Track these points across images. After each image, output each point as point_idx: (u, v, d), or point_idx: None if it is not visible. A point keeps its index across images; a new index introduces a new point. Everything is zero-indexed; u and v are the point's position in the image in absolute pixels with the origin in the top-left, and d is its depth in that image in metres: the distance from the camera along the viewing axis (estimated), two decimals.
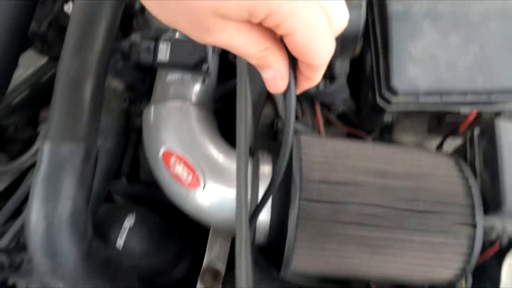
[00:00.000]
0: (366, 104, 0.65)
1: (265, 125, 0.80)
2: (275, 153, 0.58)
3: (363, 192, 0.48)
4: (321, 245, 0.48)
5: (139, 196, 0.82)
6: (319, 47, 0.28)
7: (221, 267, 0.60)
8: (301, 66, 0.30)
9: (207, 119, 0.60)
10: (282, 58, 0.30)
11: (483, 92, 0.53)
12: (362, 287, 0.60)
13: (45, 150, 0.45)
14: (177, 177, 0.55)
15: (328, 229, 0.47)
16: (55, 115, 0.47)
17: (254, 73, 0.34)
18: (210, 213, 0.55)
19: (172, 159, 0.55)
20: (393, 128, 0.64)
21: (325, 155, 0.51)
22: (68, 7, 0.70)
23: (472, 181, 0.49)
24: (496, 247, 0.53)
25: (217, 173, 0.55)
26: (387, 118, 0.61)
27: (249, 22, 0.28)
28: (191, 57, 0.62)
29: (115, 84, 0.73)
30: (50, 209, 0.44)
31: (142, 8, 0.75)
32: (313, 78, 0.31)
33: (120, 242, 0.66)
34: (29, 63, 0.64)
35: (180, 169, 0.54)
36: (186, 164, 0.54)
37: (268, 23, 0.27)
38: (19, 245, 0.68)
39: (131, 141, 0.86)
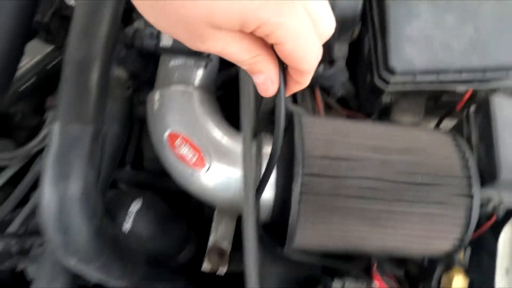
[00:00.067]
0: (364, 87, 0.67)
1: (265, 111, 0.82)
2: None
3: (363, 167, 0.50)
4: (324, 218, 0.50)
5: (143, 184, 0.84)
6: (306, 55, 0.31)
7: (227, 246, 0.62)
8: (290, 71, 0.33)
9: (210, 103, 0.62)
10: (272, 64, 0.33)
11: (478, 69, 0.55)
12: (364, 264, 0.61)
13: (55, 130, 0.46)
14: (182, 158, 0.56)
15: (330, 202, 0.49)
16: (64, 97, 0.48)
17: None
18: (215, 193, 0.57)
19: (178, 141, 0.56)
20: (391, 110, 0.66)
21: (326, 133, 0.53)
22: None
23: (468, 154, 0.51)
24: (492, 220, 0.55)
25: (221, 153, 0.56)
26: (386, 99, 0.63)
27: (241, 31, 0.30)
28: None
29: (119, 72, 0.75)
30: (62, 187, 0.46)
31: None
32: (301, 82, 0.34)
33: (127, 226, 0.67)
34: (35, 52, 0.66)
35: (185, 150, 0.56)
36: (191, 145, 0.56)
37: (259, 33, 0.30)
38: (28, 231, 0.70)
39: (134, 131, 0.88)
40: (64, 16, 0.75)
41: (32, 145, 0.64)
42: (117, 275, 0.56)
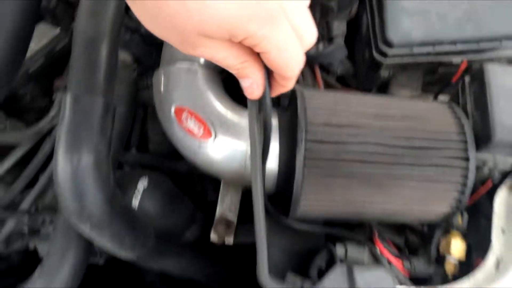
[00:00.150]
0: (363, 63, 0.69)
1: None
2: (279, 109, 0.62)
3: (364, 133, 0.52)
4: (327, 183, 0.52)
5: (149, 166, 0.86)
6: (289, 63, 0.35)
7: (233, 217, 0.64)
8: (275, 75, 0.37)
9: (214, 80, 0.64)
10: (258, 71, 0.36)
11: (472, 40, 0.57)
12: (366, 233, 0.63)
13: (67, 101, 0.48)
14: (189, 131, 0.58)
15: (333, 167, 0.51)
16: (75, 71, 0.50)
17: None
18: (221, 164, 0.59)
19: (184, 114, 0.58)
20: (389, 85, 0.68)
21: (327, 103, 0.55)
22: None
23: (464, 119, 0.53)
24: (488, 185, 0.58)
25: (226, 126, 0.58)
26: (384, 73, 0.65)
27: (230, 40, 0.33)
28: None
29: (123, 56, 0.77)
30: (75, 155, 0.48)
31: None
32: (285, 85, 0.38)
33: (136, 202, 0.70)
34: (42, 35, 0.68)
35: (191, 123, 0.58)
36: (197, 118, 0.58)
37: (246, 43, 0.33)
38: (39, 209, 0.72)
39: (138, 115, 0.90)
40: (69, 2, 0.77)
41: (42, 125, 0.66)
42: (128, 245, 0.58)
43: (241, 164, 0.59)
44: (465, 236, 0.58)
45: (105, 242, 0.55)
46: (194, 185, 0.93)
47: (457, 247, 0.57)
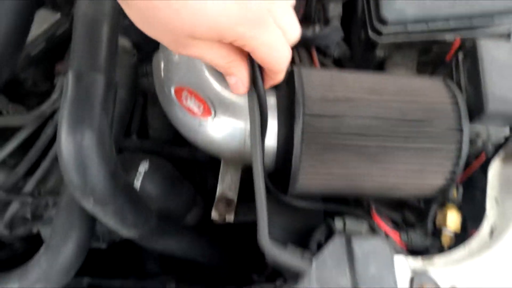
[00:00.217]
0: (359, 45, 0.70)
1: None
2: (277, 88, 0.63)
3: (360, 106, 0.53)
4: (325, 156, 0.53)
5: (149, 152, 0.87)
6: (277, 59, 0.38)
7: (233, 196, 0.65)
8: (266, 70, 0.40)
9: None
10: (244, 69, 0.39)
11: (465, 16, 0.59)
12: (364, 209, 0.65)
13: (69, 78, 0.50)
14: (189, 110, 0.59)
15: (330, 141, 0.52)
16: (76, 49, 0.51)
17: None
18: (221, 143, 0.60)
19: (184, 94, 0.59)
20: (385, 65, 0.69)
21: (324, 79, 0.56)
22: None
23: (457, 93, 0.54)
24: (482, 158, 0.59)
25: (225, 105, 0.59)
26: (379, 53, 0.66)
27: (219, 41, 0.35)
28: None
29: (123, 42, 0.78)
30: (78, 131, 0.49)
31: None
32: (275, 79, 0.42)
33: (137, 184, 0.71)
34: (43, 20, 0.69)
35: (191, 103, 0.59)
36: (196, 97, 0.59)
37: (235, 44, 0.36)
38: (41, 194, 0.73)
39: (138, 102, 0.91)
40: None
41: (44, 108, 0.67)
42: (131, 223, 0.59)
43: (241, 142, 0.60)
44: (460, 209, 0.59)
45: (108, 218, 0.56)
46: (194, 173, 0.94)
47: (452, 220, 0.58)
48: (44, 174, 0.71)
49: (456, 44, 0.61)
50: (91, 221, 0.61)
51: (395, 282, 0.49)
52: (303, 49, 0.75)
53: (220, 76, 0.66)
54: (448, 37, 0.61)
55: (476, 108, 0.53)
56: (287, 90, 0.60)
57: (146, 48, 0.86)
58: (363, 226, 0.59)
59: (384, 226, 0.59)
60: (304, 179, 0.55)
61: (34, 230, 0.75)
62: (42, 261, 0.57)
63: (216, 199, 0.65)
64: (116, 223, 0.57)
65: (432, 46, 0.65)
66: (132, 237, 0.63)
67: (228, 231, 0.87)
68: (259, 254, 0.65)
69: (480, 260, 0.50)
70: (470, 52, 0.57)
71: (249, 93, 0.47)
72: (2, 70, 0.54)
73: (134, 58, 0.77)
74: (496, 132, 0.55)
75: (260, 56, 0.37)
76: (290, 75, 0.59)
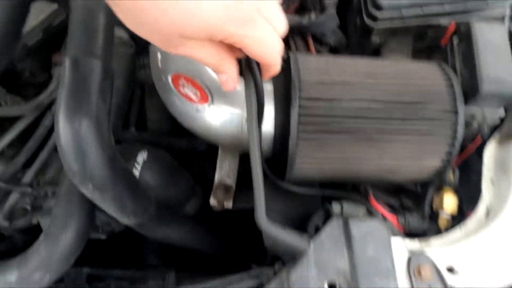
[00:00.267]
0: (355, 32, 0.71)
1: None
2: None
3: (356, 89, 0.53)
4: (321, 140, 0.53)
5: (148, 143, 0.87)
6: (269, 53, 0.39)
7: (231, 183, 0.65)
8: (260, 63, 0.42)
9: None
10: (234, 67, 0.40)
11: (459, 0, 0.59)
12: (361, 194, 0.65)
13: (66, 64, 0.50)
14: (187, 97, 0.60)
15: (326, 124, 0.53)
16: (73, 36, 0.52)
17: None
18: (218, 129, 0.61)
19: (181, 81, 0.60)
20: (380, 52, 0.70)
21: (320, 64, 0.57)
22: None
23: (452, 75, 0.55)
24: (478, 141, 0.59)
25: (222, 92, 0.60)
26: (375, 39, 0.67)
27: (209, 39, 0.36)
28: None
29: (120, 33, 0.78)
30: (76, 116, 0.49)
31: None
32: (271, 71, 0.43)
33: (136, 174, 0.71)
34: (41, 11, 0.69)
35: (188, 89, 0.59)
36: (193, 84, 0.59)
37: (226, 42, 0.36)
38: (40, 185, 0.73)
39: (136, 95, 0.91)
40: None
41: (42, 98, 0.67)
42: (130, 210, 0.59)
43: (238, 128, 0.60)
44: (457, 192, 0.60)
45: (107, 205, 0.56)
46: (193, 164, 0.95)
47: (449, 203, 0.59)
48: (42, 164, 0.72)
49: (451, 29, 0.61)
50: (90, 209, 0.61)
51: (392, 263, 0.49)
52: (299, 37, 0.75)
53: None
54: (443, 21, 0.61)
55: (471, 90, 0.54)
56: (284, 76, 0.61)
57: (143, 40, 0.87)
58: (361, 210, 0.60)
59: (382, 209, 0.60)
60: (301, 163, 0.56)
61: (34, 221, 0.75)
62: (41, 249, 0.57)
63: (214, 186, 0.65)
64: (115, 210, 0.57)
65: (427, 31, 0.65)
66: (131, 224, 0.63)
67: (227, 221, 0.88)
68: (259, 244, 0.66)
69: (476, 240, 0.51)
70: (465, 36, 0.57)
71: (246, 79, 0.47)
72: None
73: (132, 49, 0.78)
74: (491, 113, 0.55)
75: (252, 53, 0.38)
76: (286, 61, 0.60)
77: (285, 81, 0.59)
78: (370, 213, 0.59)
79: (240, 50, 0.39)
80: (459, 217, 0.58)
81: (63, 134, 0.49)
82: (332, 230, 0.51)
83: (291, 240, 0.47)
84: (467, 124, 0.55)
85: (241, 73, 0.46)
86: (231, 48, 0.39)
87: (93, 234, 0.80)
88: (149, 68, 0.71)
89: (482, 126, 0.56)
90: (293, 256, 0.51)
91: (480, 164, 0.59)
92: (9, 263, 0.58)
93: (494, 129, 0.57)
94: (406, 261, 0.50)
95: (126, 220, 0.61)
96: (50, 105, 0.69)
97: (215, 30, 0.34)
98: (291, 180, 0.61)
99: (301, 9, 0.76)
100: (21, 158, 0.69)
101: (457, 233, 0.54)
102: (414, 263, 0.50)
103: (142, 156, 0.73)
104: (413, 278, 0.49)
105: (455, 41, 0.60)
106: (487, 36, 0.55)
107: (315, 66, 0.56)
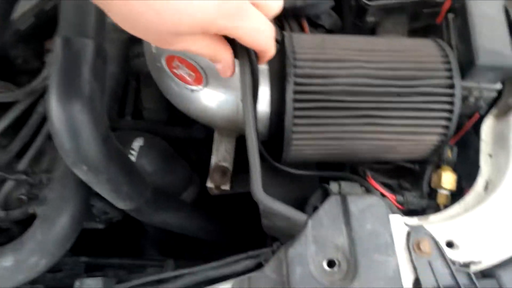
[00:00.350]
0: (350, 12, 0.70)
1: None
2: None
3: (351, 66, 0.53)
4: (318, 117, 0.53)
5: (144, 131, 0.87)
6: (262, 40, 0.40)
7: (228, 165, 0.65)
8: (255, 50, 0.43)
9: None
10: (228, 53, 0.41)
11: None
12: (359, 175, 0.65)
13: (58, 44, 0.49)
14: (181, 78, 0.59)
15: (322, 101, 0.52)
16: (65, 15, 0.51)
17: None
18: (214, 110, 0.60)
19: (175, 62, 0.59)
20: (376, 32, 0.69)
21: (315, 42, 0.56)
22: None
23: (448, 50, 0.54)
24: (475, 117, 0.59)
25: (216, 73, 0.58)
26: (370, 19, 0.66)
27: (202, 33, 0.36)
28: None
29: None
30: (69, 97, 0.48)
31: None
32: (266, 56, 0.44)
33: (133, 159, 0.70)
34: None
35: (182, 70, 0.59)
36: (187, 65, 0.59)
37: (219, 33, 0.37)
38: (36, 172, 0.72)
39: (132, 85, 0.91)
40: None
41: (35, 84, 0.66)
42: (126, 194, 0.59)
43: (233, 109, 0.60)
44: (455, 169, 0.59)
45: (103, 188, 0.56)
46: (189, 152, 0.94)
47: (448, 179, 0.58)
48: (37, 153, 0.71)
49: (447, 5, 0.61)
50: (86, 193, 0.60)
51: (391, 238, 0.49)
52: (293, 20, 0.75)
53: None
54: None
55: (467, 64, 0.53)
56: (279, 55, 0.60)
57: None
58: (359, 190, 0.59)
59: (380, 188, 0.59)
60: (298, 141, 0.55)
61: (30, 211, 0.74)
62: (37, 233, 0.57)
63: (210, 169, 0.64)
64: (110, 193, 0.57)
65: (422, 10, 0.65)
66: (128, 209, 0.63)
67: (225, 209, 0.87)
68: (258, 232, 0.65)
69: (475, 213, 0.50)
70: (460, 11, 0.57)
71: (241, 60, 0.46)
72: None
73: (125, 35, 0.77)
74: (488, 88, 0.54)
75: (246, 42, 0.39)
76: (281, 41, 0.59)
77: (280, 60, 0.58)
78: (369, 192, 0.58)
79: None
80: (457, 194, 0.58)
81: (55, 113, 0.48)
82: (330, 207, 0.51)
83: (289, 212, 0.46)
84: (464, 99, 0.55)
85: (236, 55, 0.46)
86: (223, 38, 0.40)
87: (90, 224, 0.80)
88: (144, 56, 0.70)
89: (479, 100, 0.55)
90: (291, 234, 0.50)
91: (478, 141, 0.58)
92: (4, 248, 0.57)
93: (491, 104, 0.57)
94: (405, 236, 0.50)
95: (122, 204, 0.61)
96: (43, 93, 0.68)
97: (207, 25, 0.35)
98: (288, 161, 0.61)
99: None
100: (15, 146, 0.68)
101: (456, 208, 0.53)
102: (414, 238, 0.49)
103: (138, 143, 0.72)
104: (412, 253, 0.48)
105: (450, 16, 0.60)
106: (483, 10, 0.55)
107: (310, 44, 0.56)
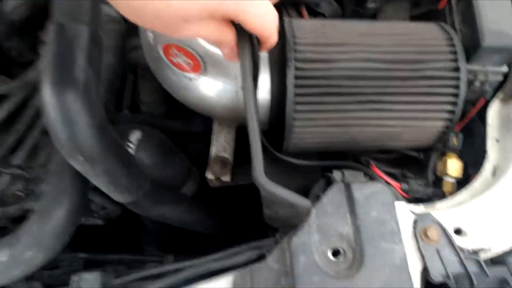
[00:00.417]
0: (350, 0, 0.69)
1: None
2: None
3: (352, 49, 0.51)
4: (319, 102, 0.51)
5: (142, 125, 0.85)
6: (267, 25, 0.40)
7: (228, 156, 0.63)
8: (258, 36, 0.42)
9: None
10: (233, 38, 0.41)
11: None
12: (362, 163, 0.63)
13: (52, 30, 0.47)
14: (179, 66, 0.58)
15: (324, 86, 0.51)
16: (59, 1, 0.49)
17: None
18: (212, 99, 0.59)
19: (172, 50, 0.58)
20: (377, 18, 0.68)
21: (316, 27, 0.55)
22: None
23: (452, 33, 0.53)
24: (481, 102, 0.58)
25: (215, 59, 0.58)
26: (370, 5, 0.65)
27: (209, 18, 0.37)
28: None
29: (110, 10, 0.76)
30: (63, 83, 0.46)
31: None
32: (269, 42, 0.44)
33: (131, 152, 0.69)
34: None
35: (180, 58, 0.57)
36: (185, 53, 0.57)
37: (225, 18, 0.38)
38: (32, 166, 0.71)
39: (129, 79, 0.89)
40: None
41: (30, 75, 0.65)
42: (124, 186, 0.57)
43: (232, 97, 0.58)
44: (461, 157, 0.58)
45: (100, 180, 0.54)
46: (188, 146, 0.93)
47: (454, 167, 0.57)
48: (33, 147, 0.69)
49: None
50: (83, 185, 0.59)
51: (397, 225, 0.47)
52: (293, 8, 0.73)
53: None
54: None
55: (472, 47, 0.52)
56: (278, 41, 0.59)
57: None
58: (363, 178, 0.58)
59: (384, 176, 0.58)
60: (299, 130, 0.54)
61: (27, 207, 0.73)
62: (33, 227, 0.55)
63: (210, 160, 0.63)
64: (108, 186, 0.55)
65: None
66: (126, 203, 0.61)
67: (226, 203, 0.86)
68: (259, 226, 0.64)
69: (483, 199, 0.49)
70: None
71: (241, 44, 0.45)
72: None
73: (121, 25, 0.76)
74: (493, 71, 0.53)
75: (252, 26, 0.39)
76: (280, 27, 0.58)
77: (280, 46, 0.57)
78: (372, 179, 0.57)
79: None
80: (464, 182, 0.57)
81: (49, 101, 0.46)
82: (334, 195, 0.49)
83: (292, 198, 0.45)
84: (470, 83, 0.53)
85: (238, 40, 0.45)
86: (227, 22, 0.40)
87: (89, 220, 0.78)
88: (141, 48, 0.69)
89: (484, 84, 0.54)
90: (294, 224, 0.49)
91: (483, 128, 0.57)
92: (0, 242, 0.56)
93: (497, 88, 0.56)
94: (412, 223, 0.48)
95: (120, 197, 0.59)
96: (38, 84, 0.66)
97: (215, 9, 0.36)
98: (290, 151, 0.59)
99: None
100: (10, 140, 0.67)
101: (463, 194, 0.52)
102: (420, 225, 0.48)
103: (136, 135, 0.70)
104: (420, 241, 0.47)
105: (454, 1, 0.58)
106: None
107: (310, 29, 0.54)
